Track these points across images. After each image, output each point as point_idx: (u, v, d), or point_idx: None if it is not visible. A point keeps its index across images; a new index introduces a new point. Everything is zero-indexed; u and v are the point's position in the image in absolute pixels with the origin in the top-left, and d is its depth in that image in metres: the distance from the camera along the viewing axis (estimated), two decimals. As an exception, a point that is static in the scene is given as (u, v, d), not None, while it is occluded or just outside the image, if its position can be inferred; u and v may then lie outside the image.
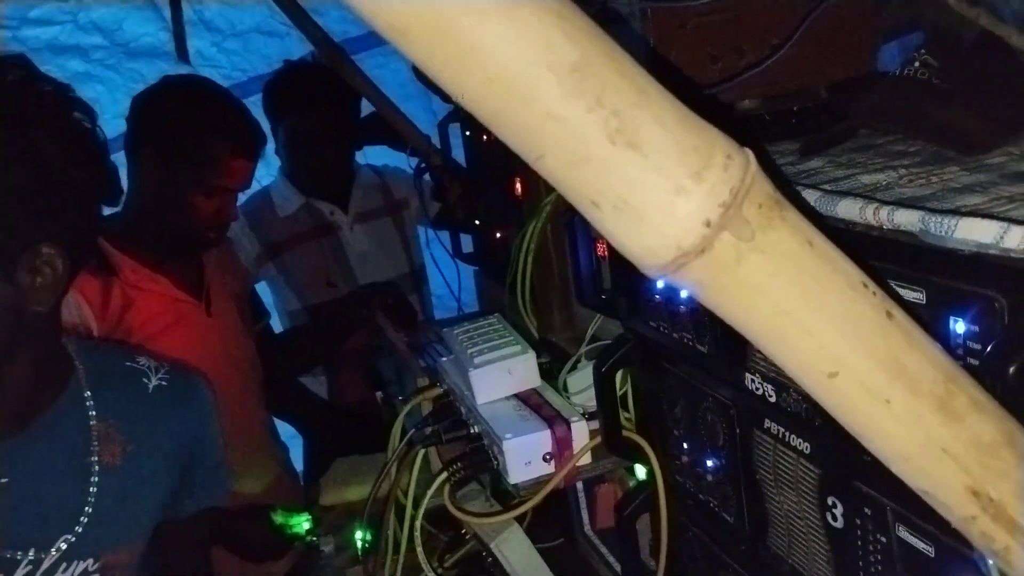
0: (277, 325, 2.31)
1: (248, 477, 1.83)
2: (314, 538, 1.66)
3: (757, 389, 0.77)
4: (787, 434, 0.76)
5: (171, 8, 2.45)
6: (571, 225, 0.95)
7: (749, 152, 0.38)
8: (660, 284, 0.89)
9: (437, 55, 0.35)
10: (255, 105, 2.03)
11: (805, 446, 0.73)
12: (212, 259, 1.85)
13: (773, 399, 0.75)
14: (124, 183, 1.73)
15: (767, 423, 0.79)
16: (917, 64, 0.79)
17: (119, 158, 2.61)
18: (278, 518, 1.71)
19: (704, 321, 0.83)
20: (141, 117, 1.71)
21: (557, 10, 0.35)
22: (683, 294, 0.86)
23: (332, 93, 2.11)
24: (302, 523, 1.70)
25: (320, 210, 2.28)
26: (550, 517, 1.42)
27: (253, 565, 1.75)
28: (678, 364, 0.92)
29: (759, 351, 0.78)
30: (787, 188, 0.66)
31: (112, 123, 2.55)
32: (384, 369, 1.63)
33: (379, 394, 1.64)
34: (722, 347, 0.81)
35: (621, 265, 0.98)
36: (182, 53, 2.03)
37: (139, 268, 1.70)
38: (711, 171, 0.36)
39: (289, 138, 2.22)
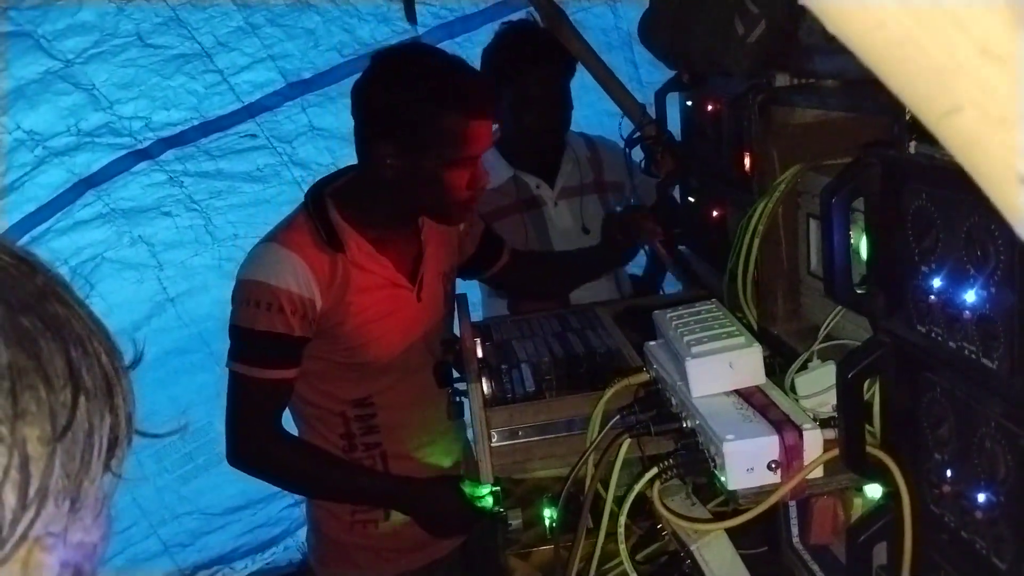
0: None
1: (439, 454, 1.82)
2: (500, 510, 1.63)
3: (1063, 420, 0.64)
4: (1107, 481, 0.61)
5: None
6: (829, 208, 0.83)
7: None
8: (938, 282, 0.76)
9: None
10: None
11: None
12: (432, 237, 1.77)
13: (1086, 435, 0.62)
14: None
15: (1071, 462, 0.65)
16: None
17: (329, 91, 2.66)
18: (467, 488, 1.69)
19: (998, 331, 0.69)
20: (371, 107, 1.59)
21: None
22: (969, 296, 0.72)
23: (552, 54, 2.05)
24: (487, 495, 1.68)
25: (526, 183, 2.24)
26: (751, 522, 1.31)
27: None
28: (949, 378, 0.78)
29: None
30: None
31: (326, 55, 2.66)
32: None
33: None
34: (1020, 364, 0.68)
35: (885, 257, 0.85)
36: (411, 16, 2.06)
37: (364, 245, 1.65)
38: None
39: (508, 100, 2.14)
